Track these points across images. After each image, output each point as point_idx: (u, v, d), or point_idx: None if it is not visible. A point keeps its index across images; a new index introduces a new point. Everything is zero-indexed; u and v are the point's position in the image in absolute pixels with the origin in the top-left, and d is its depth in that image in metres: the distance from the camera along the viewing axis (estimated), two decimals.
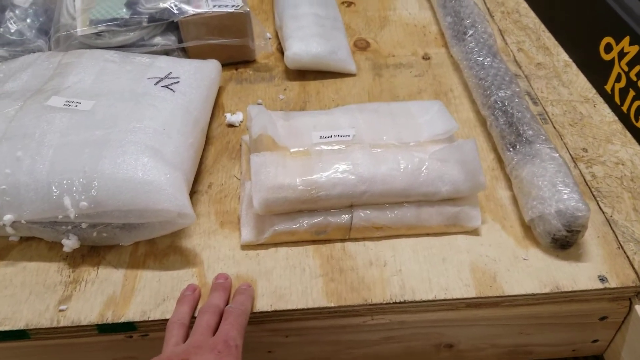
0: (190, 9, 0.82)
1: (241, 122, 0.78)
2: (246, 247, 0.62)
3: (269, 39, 0.93)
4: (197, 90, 0.72)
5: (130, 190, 0.57)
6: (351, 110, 0.70)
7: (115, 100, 0.66)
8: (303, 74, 0.86)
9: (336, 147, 0.64)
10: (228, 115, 0.79)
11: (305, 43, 0.84)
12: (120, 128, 0.62)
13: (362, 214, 0.62)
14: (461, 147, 0.62)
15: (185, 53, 0.85)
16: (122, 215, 0.58)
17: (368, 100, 0.82)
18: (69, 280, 0.59)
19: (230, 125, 0.78)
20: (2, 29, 0.85)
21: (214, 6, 0.83)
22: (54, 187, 0.58)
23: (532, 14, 0.98)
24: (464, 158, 0.62)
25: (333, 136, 0.66)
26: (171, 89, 0.70)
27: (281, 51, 0.90)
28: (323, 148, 0.64)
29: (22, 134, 0.61)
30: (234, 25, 0.84)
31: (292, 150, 0.64)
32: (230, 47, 0.85)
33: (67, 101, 0.65)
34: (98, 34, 0.81)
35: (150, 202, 0.57)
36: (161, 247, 0.62)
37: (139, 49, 0.82)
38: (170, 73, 0.72)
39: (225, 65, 0.86)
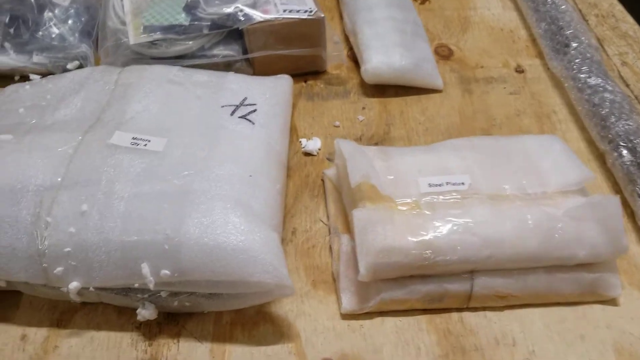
0: (257, 16, 0.71)
1: (319, 149, 0.69)
2: (347, 316, 0.54)
3: (337, 43, 0.82)
4: (276, 119, 0.62)
5: (221, 259, 0.48)
6: (458, 148, 0.60)
7: (189, 138, 0.56)
8: (382, 88, 0.76)
9: (450, 199, 0.55)
10: (304, 141, 0.69)
11: (387, 55, 0.74)
12: (201, 175, 0.53)
13: (485, 281, 0.53)
14: (603, 205, 0.53)
15: (250, 64, 0.75)
16: (209, 285, 0.50)
17: (460, 122, 0.72)
18: (146, 356, 0.51)
19: (307, 154, 0.68)
20: (41, 33, 0.74)
21: (285, 11, 0.72)
22: (128, 251, 0.49)
23: (629, 18, 0.87)
24: (605, 217, 0.53)
25: (444, 184, 0.56)
26: (250, 120, 0.60)
27: (354, 59, 0.80)
28: (435, 200, 0.55)
29: (85, 181, 0.52)
30: (307, 33, 0.73)
31: (398, 201, 0.55)
32: (299, 56, 0.75)
33: (133, 138, 0.55)
34: (153, 43, 0.70)
35: (244, 273, 0.48)
36: (249, 314, 0.54)
37: (198, 60, 0.72)
38: (245, 99, 0.62)
39: (293, 76, 0.76)
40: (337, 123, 0.72)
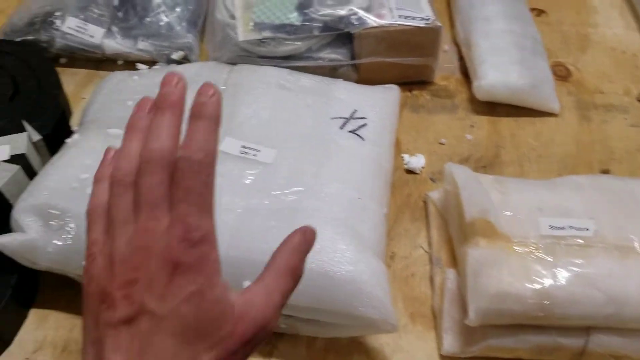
0: (372, 20, 0.68)
1: (422, 167, 0.65)
2: (447, 358, 0.51)
3: (446, 51, 0.78)
4: (386, 135, 0.59)
5: (326, 287, 0.46)
6: (582, 187, 0.56)
7: (299, 151, 0.54)
8: (492, 106, 0.72)
9: (573, 245, 0.51)
10: (406, 157, 0.66)
11: (504, 72, 0.69)
12: (310, 193, 0.51)
13: (601, 339, 0.49)
14: None
15: (355, 69, 0.72)
16: (310, 311, 0.48)
17: (577, 152, 0.67)
18: None
19: (410, 172, 0.65)
20: (149, 19, 0.74)
21: (400, 17, 0.68)
22: (232, 266, 0.47)
23: None
24: None
25: (567, 227, 0.52)
26: (359, 136, 0.57)
27: (463, 71, 0.75)
28: (556, 244, 0.51)
29: None
30: (421, 42, 0.70)
31: (515, 240, 0.51)
32: (407, 64, 0.71)
33: (243, 147, 0.53)
34: (262, 40, 0.68)
35: (349, 305, 0.46)
36: (343, 342, 0.52)
37: (305, 62, 0.69)
38: (355, 111, 0.59)
39: (398, 85, 0.73)
40: (443, 140, 0.68)
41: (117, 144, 0.53)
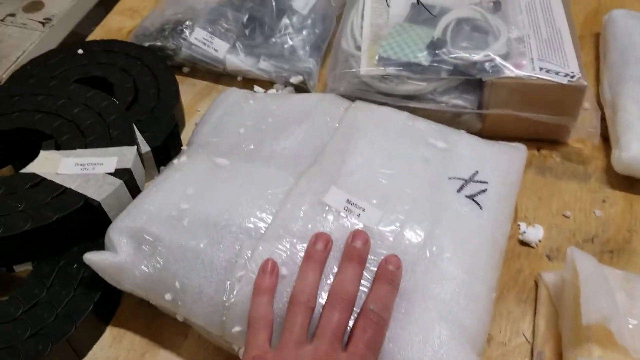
0: (509, 70, 0.62)
1: (539, 241, 0.59)
2: None
3: (587, 109, 0.69)
4: (506, 205, 0.53)
5: None
6: None
7: (407, 215, 0.49)
8: (631, 181, 0.63)
9: None
10: (523, 226, 0.59)
11: None
12: (413, 270, 0.46)
13: None
14: None
15: (480, 118, 0.66)
16: None
17: None
18: None
19: (524, 244, 0.59)
20: (275, 40, 0.72)
21: (542, 70, 0.62)
22: None
23: None
24: None
25: None
26: (477, 203, 0.51)
27: (604, 135, 0.67)
28: None
29: (289, 240, 0.48)
30: (561, 100, 0.62)
31: (635, 357, 0.44)
32: (540, 121, 0.64)
33: (348, 202, 0.50)
34: (384, 76, 0.64)
35: None
36: None
37: (426, 104, 0.65)
38: (476, 173, 0.54)
39: (525, 140, 0.66)
40: (568, 213, 0.61)
41: (223, 175, 0.53)
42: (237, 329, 0.46)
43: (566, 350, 0.48)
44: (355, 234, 0.46)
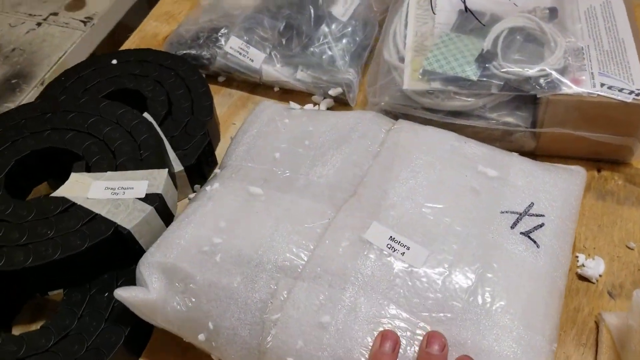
0: (566, 86, 0.57)
1: (600, 276, 0.54)
2: None
3: None
4: (565, 240, 0.49)
5: None
6: None
7: (456, 256, 0.45)
8: None
9: None
10: (581, 257, 0.55)
11: None
12: (464, 322, 0.42)
13: None
14: None
15: (534, 137, 0.61)
16: None
17: None
18: None
19: (583, 278, 0.54)
20: (313, 49, 0.68)
21: (603, 86, 0.56)
22: None
23: None
24: None
25: None
26: (534, 241, 0.47)
27: None
28: None
29: (329, 281, 0.45)
30: (625, 119, 0.57)
31: None
32: (600, 141, 0.59)
33: (391, 239, 0.46)
34: (429, 91, 0.60)
35: None
36: None
37: (474, 121, 0.60)
38: (531, 205, 0.49)
39: (584, 160, 0.61)
40: (632, 244, 0.56)
41: (257, 206, 0.50)
42: None
43: None
44: (431, 337, 0.41)
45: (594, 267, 0.54)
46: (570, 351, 0.50)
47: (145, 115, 0.62)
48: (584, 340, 0.50)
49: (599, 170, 0.62)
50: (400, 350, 0.41)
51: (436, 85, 0.59)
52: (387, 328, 0.42)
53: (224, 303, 0.45)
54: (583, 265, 0.54)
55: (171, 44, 0.74)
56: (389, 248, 0.46)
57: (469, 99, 0.60)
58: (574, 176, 0.54)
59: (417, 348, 0.41)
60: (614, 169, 0.62)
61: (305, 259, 0.46)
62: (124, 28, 0.90)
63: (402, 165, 0.51)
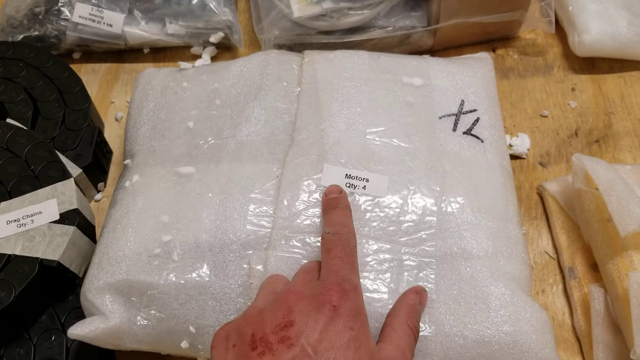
0: None
1: (528, 150, 0.56)
2: None
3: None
4: (499, 127, 0.49)
5: (483, 356, 0.39)
6: None
7: (412, 174, 0.44)
8: (591, 61, 0.61)
9: None
10: (507, 138, 0.57)
11: (610, 23, 0.58)
12: (441, 235, 0.42)
13: None
14: None
15: (431, 34, 0.60)
16: None
17: None
18: None
19: (515, 157, 0.56)
20: None
21: None
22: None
23: None
24: None
25: None
26: (477, 137, 0.47)
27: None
28: None
29: (301, 239, 0.42)
30: None
31: None
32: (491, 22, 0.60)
33: (347, 176, 0.44)
34: (321, 14, 0.56)
35: None
36: None
37: (370, 33, 0.58)
38: (462, 103, 0.49)
39: (477, 45, 0.62)
40: (546, 112, 0.58)
41: (194, 186, 0.44)
42: None
43: (602, 263, 0.46)
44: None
45: (521, 143, 0.56)
46: (526, 227, 0.52)
47: (10, 122, 0.52)
48: (533, 214, 0.53)
49: (494, 50, 0.63)
50: (394, 278, 0.40)
51: (328, 5, 0.56)
52: (372, 264, 0.41)
53: (199, 301, 0.41)
54: (511, 145, 0.56)
55: (3, 30, 0.62)
56: (349, 186, 0.43)
57: (364, 11, 0.57)
58: (484, 63, 0.54)
59: (407, 274, 0.41)
60: (507, 45, 0.63)
61: (269, 226, 0.42)
62: None
63: (330, 97, 0.48)
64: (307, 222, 0.42)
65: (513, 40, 0.64)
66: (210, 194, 0.44)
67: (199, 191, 0.44)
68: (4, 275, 0.42)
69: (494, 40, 0.63)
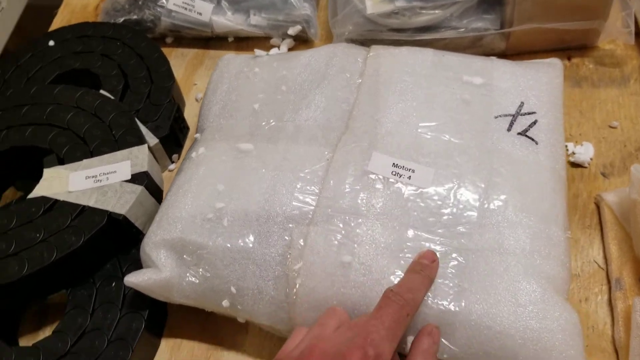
0: None
1: (591, 159, 0.55)
2: None
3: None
4: (558, 131, 0.49)
5: (505, 347, 0.39)
6: None
7: (460, 169, 0.45)
8: None
9: None
10: (571, 146, 0.56)
11: None
12: (481, 230, 0.42)
13: None
14: None
15: (504, 38, 0.60)
16: None
17: None
18: None
19: (576, 165, 0.55)
20: None
21: None
22: None
23: None
24: None
25: None
26: (532, 139, 0.47)
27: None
28: None
29: (342, 219, 0.44)
30: (589, 3, 0.57)
31: None
32: (567, 29, 0.59)
33: (394, 165, 0.45)
34: (394, 11, 0.58)
35: None
36: None
37: (443, 32, 0.59)
38: (522, 105, 0.49)
39: (552, 52, 0.61)
40: (615, 123, 0.57)
41: (251, 162, 0.48)
42: (306, 322, 0.42)
43: None
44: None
45: (584, 152, 0.55)
46: (577, 235, 0.51)
47: (102, 92, 0.58)
48: (587, 222, 0.52)
49: (569, 59, 0.62)
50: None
51: (400, 3, 0.58)
52: (406, 251, 0.42)
53: (242, 265, 0.44)
54: (573, 153, 0.55)
55: (107, 13, 0.70)
56: (395, 175, 0.45)
57: (436, 11, 0.58)
58: (552, 68, 0.54)
59: (440, 263, 0.42)
60: (583, 55, 0.62)
61: (314, 204, 0.45)
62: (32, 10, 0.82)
63: (388, 90, 0.50)
64: (350, 203, 0.44)
65: (591, 49, 0.62)
66: (264, 170, 0.47)
67: (255, 166, 0.47)
68: (77, 223, 0.48)
69: (571, 48, 0.62)
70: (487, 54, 0.61)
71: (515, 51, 0.62)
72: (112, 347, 0.46)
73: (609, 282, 0.49)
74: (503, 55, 0.62)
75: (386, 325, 0.36)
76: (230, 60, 0.58)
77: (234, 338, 0.50)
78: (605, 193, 0.52)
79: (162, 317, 0.51)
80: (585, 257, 0.50)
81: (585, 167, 0.55)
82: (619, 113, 0.58)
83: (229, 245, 0.44)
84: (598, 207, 0.53)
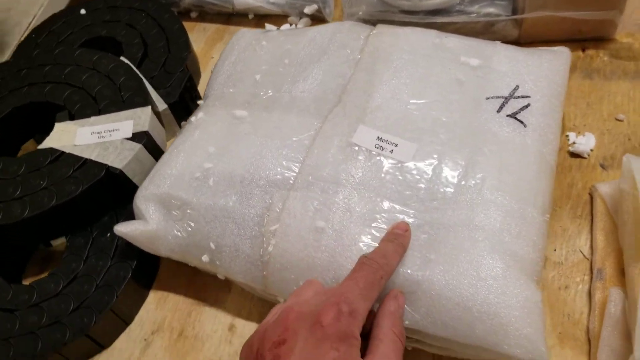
0: None
1: (591, 150, 0.54)
2: None
3: None
4: (552, 118, 0.48)
5: (464, 319, 0.39)
6: None
7: (443, 146, 0.45)
8: None
9: None
10: (572, 136, 0.55)
11: None
12: (455, 205, 0.43)
13: None
14: None
15: (516, 24, 0.60)
16: (444, 342, 0.41)
17: None
18: None
19: (575, 155, 0.54)
20: None
21: None
22: None
23: None
24: None
25: None
26: (520, 121, 0.47)
27: None
28: None
29: (321, 187, 0.45)
30: None
31: None
32: (581, 19, 0.58)
33: (379, 139, 0.46)
34: None
35: (490, 341, 0.39)
36: None
37: (454, 16, 0.59)
38: (516, 88, 0.49)
39: (568, 42, 0.60)
40: (622, 116, 0.55)
41: (244, 127, 0.50)
42: (277, 281, 0.44)
43: (628, 265, 0.44)
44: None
45: (585, 142, 0.54)
46: (566, 224, 0.50)
47: (122, 59, 0.61)
48: (579, 212, 0.51)
49: (583, 50, 0.61)
50: None
51: None
52: (380, 222, 0.43)
53: (222, 223, 0.46)
54: (574, 143, 0.54)
55: None
56: (377, 148, 0.46)
57: None
58: (558, 56, 0.53)
59: (416, 240, 0.42)
60: (599, 47, 0.61)
61: (296, 170, 0.46)
62: None
63: (384, 67, 0.51)
64: (331, 172, 0.45)
65: (607, 42, 0.61)
66: (254, 136, 0.49)
67: (247, 132, 0.49)
68: (78, 174, 0.51)
69: (587, 39, 0.61)
70: (500, 40, 0.61)
71: (529, 39, 0.61)
72: (99, 291, 0.49)
73: (592, 273, 0.48)
74: (516, 43, 0.61)
75: (360, 286, 0.37)
76: (244, 33, 0.60)
77: (217, 295, 0.52)
78: (599, 184, 0.51)
79: (151, 270, 0.54)
80: (571, 246, 0.49)
81: (585, 158, 0.54)
82: (628, 106, 0.56)
83: (211, 203, 0.46)
84: (592, 197, 0.52)
